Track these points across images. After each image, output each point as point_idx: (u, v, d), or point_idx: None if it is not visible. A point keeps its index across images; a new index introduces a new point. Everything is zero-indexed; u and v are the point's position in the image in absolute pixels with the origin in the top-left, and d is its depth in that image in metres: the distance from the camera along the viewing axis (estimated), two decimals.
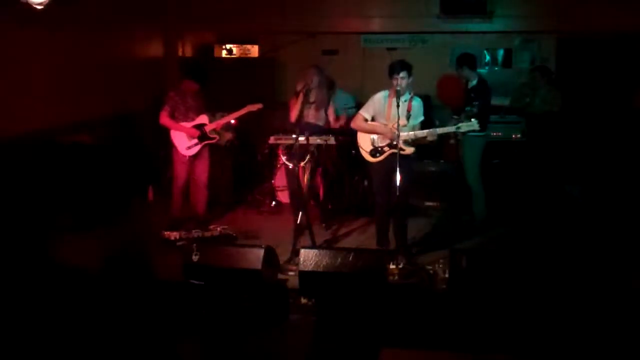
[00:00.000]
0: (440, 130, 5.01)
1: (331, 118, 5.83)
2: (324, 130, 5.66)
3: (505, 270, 4.21)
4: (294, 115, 5.50)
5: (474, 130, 6.04)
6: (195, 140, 5.94)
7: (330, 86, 6.20)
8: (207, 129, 5.97)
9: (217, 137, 6.15)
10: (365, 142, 5.23)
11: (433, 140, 5.01)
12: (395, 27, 8.49)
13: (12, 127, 5.26)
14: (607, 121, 7.62)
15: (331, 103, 5.86)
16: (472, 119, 4.99)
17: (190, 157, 5.97)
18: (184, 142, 5.94)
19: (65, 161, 5.75)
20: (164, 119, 5.89)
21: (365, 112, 5.18)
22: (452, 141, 6.78)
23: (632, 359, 3.61)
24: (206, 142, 6.00)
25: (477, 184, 6.11)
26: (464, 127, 4.98)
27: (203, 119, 5.98)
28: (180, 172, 6.00)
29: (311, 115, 5.67)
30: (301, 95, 5.43)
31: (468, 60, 6.15)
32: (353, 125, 5.29)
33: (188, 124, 5.93)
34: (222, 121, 6.12)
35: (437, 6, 8.03)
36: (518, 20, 8.14)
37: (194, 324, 4.18)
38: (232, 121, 6.49)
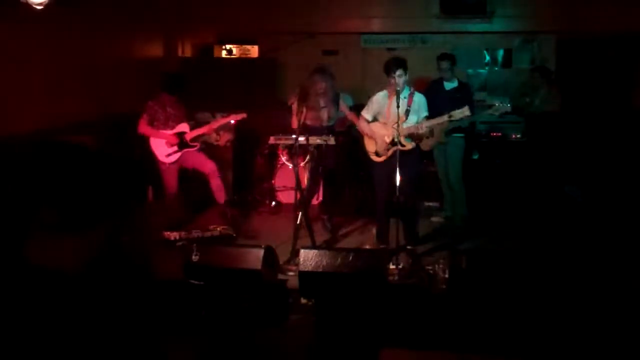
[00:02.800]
0: (430, 123, 5.00)
1: (345, 110, 5.86)
2: (325, 131, 5.66)
3: (505, 270, 4.21)
4: (295, 123, 5.54)
5: (458, 131, 6.02)
6: (175, 148, 5.95)
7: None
8: (188, 137, 5.98)
9: (198, 145, 6.12)
10: (369, 144, 5.29)
11: (425, 133, 5.01)
12: (395, 27, 8.49)
13: (10, 127, 5.25)
14: (607, 121, 7.62)
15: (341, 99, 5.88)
16: (465, 106, 4.96)
17: (171, 163, 5.97)
18: (162, 150, 5.95)
19: (63, 162, 5.73)
20: (143, 128, 5.90)
21: (366, 114, 5.25)
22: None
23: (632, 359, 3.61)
24: (185, 149, 6.01)
25: (459, 184, 6.13)
26: (457, 114, 4.95)
27: (183, 127, 5.99)
28: (168, 180, 6.02)
29: (319, 118, 5.69)
30: (297, 105, 5.52)
31: (447, 60, 6.10)
32: (359, 127, 5.39)
33: (168, 132, 5.95)
34: (202, 130, 6.07)
35: (437, 6, 8.03)
36: (518, 21, 8.15)
37: (194, 324, 4.18)
38: (232, 121, 6.48)
